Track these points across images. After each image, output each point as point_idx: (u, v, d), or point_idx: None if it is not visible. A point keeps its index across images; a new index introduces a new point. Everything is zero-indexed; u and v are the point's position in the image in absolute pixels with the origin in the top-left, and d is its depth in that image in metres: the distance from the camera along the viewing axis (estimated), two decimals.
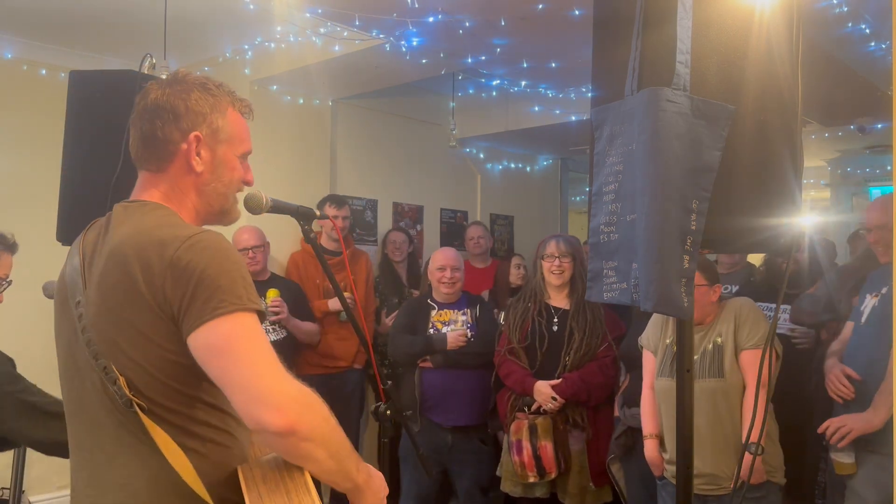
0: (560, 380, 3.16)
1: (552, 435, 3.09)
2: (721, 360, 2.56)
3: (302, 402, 1.18)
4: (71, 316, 1.33)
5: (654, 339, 2.83)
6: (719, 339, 2.60)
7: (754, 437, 2.46)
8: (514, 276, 4.82)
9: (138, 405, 1.23)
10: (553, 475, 3.09)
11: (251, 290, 1.24)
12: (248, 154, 1.48)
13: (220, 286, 1.19)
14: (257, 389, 1.15)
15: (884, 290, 2.66)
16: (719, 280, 2.73)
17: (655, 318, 2.84)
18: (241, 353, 1.17)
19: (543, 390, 3.16)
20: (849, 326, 2.84)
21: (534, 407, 3.21)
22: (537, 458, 3.08)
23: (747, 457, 2.39)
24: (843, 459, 2.59)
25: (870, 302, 2.72)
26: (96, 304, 1.26)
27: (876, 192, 7.20)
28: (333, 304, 4.15)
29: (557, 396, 3.12)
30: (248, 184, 1.50)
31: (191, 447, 1.26)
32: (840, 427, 2.53)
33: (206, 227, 1.37)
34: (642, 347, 2.90)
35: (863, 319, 2.75)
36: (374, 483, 1.36)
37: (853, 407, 2.59)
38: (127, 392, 1.22)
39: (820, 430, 2.59)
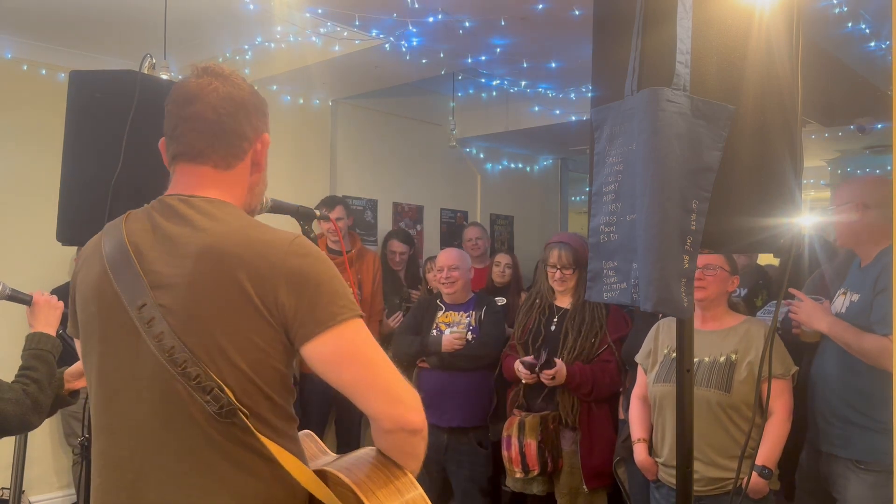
0: (555, 368, 3.12)
1: (538, 433, 3.11)
2: (730, 376, 2.54)
3: (421, 405, 1.24)
4: (127, 322, 1.22)
5: (647, 351, 2.82)
6: (734, 356, 2.56)
7: (767, 462, 2.47)
8: (496, 273, 4.78)
9: (242, 412, 1.18)
10: (536, 472, 3.12)
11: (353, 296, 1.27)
12: None
13: (336, 292, 1.21)
14: (397, 391, 1.23)
15: (855, 297, 2.58)
16: (738, 273, 2.73)
17: (650, 334, 2.83)
18: (373, 358, 1.23)
19: (519, 368, 3.16)
20: None
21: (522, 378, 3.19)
22: (522, 454, 3.12)
23: (754, 474, 2.41)
24: (808, 330, 2.67)
25: (838, 300, 2.66)
26: (188, 308, 1.19)
27: None
28: None
29: (555, 374, 3.09)
30: None
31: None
32: (802, 309, 2.59)
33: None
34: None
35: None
36: None
37: (839, 444, 2.55)
38: (233, 399, 1.17)
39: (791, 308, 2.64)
